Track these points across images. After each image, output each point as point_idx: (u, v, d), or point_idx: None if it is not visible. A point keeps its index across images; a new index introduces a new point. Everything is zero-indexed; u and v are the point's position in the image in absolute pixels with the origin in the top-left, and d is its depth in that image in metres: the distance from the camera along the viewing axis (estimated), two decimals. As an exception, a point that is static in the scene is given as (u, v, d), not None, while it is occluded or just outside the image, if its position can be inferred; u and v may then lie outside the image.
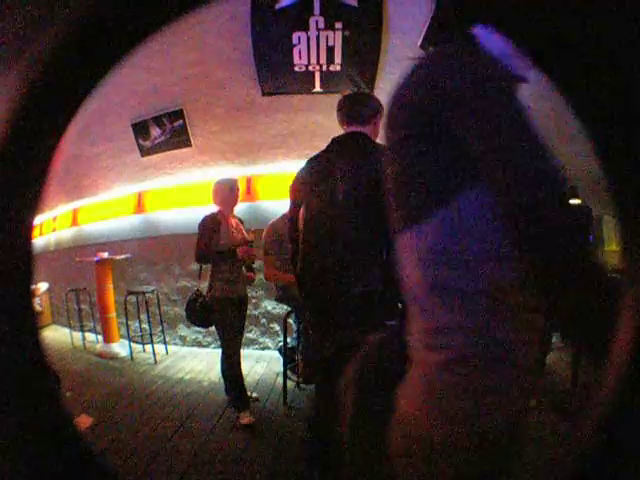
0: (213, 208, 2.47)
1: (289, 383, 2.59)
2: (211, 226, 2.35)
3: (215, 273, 2.36)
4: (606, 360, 0.36)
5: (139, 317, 3.71)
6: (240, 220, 2.54)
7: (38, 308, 4.96)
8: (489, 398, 0.56)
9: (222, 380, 2.51)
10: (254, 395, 2.57)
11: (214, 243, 2.31)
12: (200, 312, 2.41)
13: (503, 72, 0.59)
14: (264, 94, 3.51)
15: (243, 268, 2.46)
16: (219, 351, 3.74)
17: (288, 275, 2.30)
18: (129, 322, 3.86)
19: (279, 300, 2.75)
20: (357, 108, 1.55)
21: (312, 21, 3.16)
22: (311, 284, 1.41)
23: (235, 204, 2.49)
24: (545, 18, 0.32)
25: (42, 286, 5.15)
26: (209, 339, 3.96)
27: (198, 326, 2.57)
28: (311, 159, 1.58)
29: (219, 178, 2.56)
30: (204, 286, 2.48)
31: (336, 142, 1.55)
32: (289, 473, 1.79)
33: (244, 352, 3.74)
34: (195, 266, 3.98)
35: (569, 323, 0.56)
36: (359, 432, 0.74)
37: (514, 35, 0.36)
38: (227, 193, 2.44)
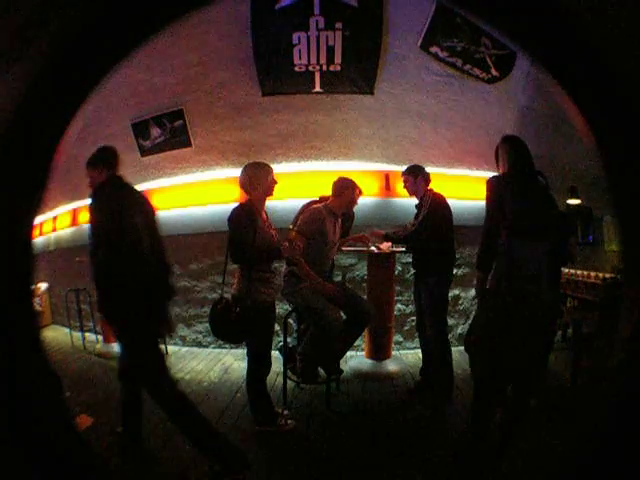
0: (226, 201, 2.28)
1: (289, 383, 2.59)
2: (250, 222, 2.02)
3: (253, 273, 2.03)
4: (606, 359, 0.36)
5: (139, 317, 3.71)
6: (266, 214, 2.24)
7: (38, 308, 4.96)
8: None
9: (247, 397, 2.20)
10: (285, 412, 2.31)
11: (249, 242, 2.00)
12: (239, 324, 1.99)
13: None
14: (264, 94, 3.51)
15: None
16: (219, 351, 3.78)
17: (315, 276, 2.33)
18: (129, 322, 3.85)
19: (286, 296, 2.55)
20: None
21: (312, 21, 3.15)
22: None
23: (270, 195, 2.16)
24: (545, 17, 0.32)
25: (42, 286, 5.15)
26: (209, 339, 3.95)
27: (231, 342, 2.24)
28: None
29: (252, 162, 2.18)
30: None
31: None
32: (289, 473, 1.79)
33: (244, 352, 3.74)
34: (196, 266, 4.00)
35: None
36: None
37: (514, 34, 0.36)
38: (266, 181, 2.10)
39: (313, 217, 2.42)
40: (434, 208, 2.49)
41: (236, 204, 2.11)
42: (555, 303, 2.17)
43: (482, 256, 1.80)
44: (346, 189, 2.51)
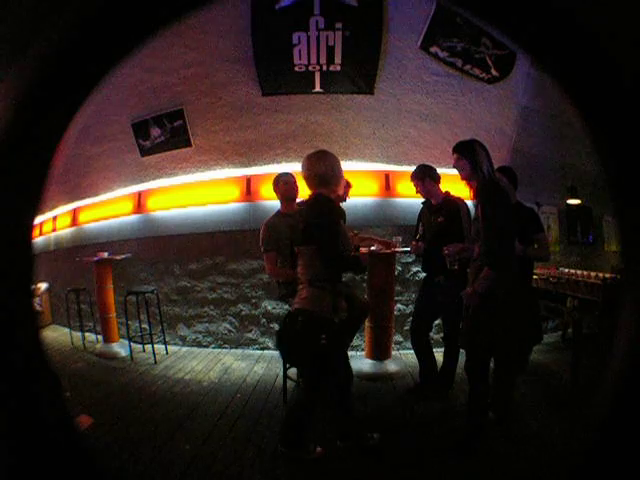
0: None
1: (289, 383, 2.59)
2: (339, 220, 1.73)
3: (335, 286, 1.75)
4: (606, 359, 0.36)
5: (139, 317, 3.71)
6: None
7: (38, 308, 4.96)
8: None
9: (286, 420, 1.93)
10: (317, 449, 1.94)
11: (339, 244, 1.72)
12: (326, 349, 1.66)
13: None
14: (264, 94, 3.51)
15: None
16: (219, 351, 3.79)
17: (289, 271, 2.21)
18: (129, 322, 3.86)
19: (282, 298, 2.61)
20: None
21: (312, 21, 3.16)
22: None
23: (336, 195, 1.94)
24: (545, 17, 0.32)
25: (42, 286, 5.15)
26: (209, 339, 3.96)
27: (315, 373, 1.81)
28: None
29: (325, 150, 1.83)
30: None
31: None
32: (288, 472, 1.79)
33: (244, 352, 3.75)
34: (196, 266, 4.00)
35: None
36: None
37: (514, 33, 0.36)
38: (342, 174, 1.82)
39: (262, 230, 2.45)
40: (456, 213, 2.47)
41: (316, 196, 1.73)
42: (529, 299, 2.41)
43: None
44: (276, 185, 2.51)
